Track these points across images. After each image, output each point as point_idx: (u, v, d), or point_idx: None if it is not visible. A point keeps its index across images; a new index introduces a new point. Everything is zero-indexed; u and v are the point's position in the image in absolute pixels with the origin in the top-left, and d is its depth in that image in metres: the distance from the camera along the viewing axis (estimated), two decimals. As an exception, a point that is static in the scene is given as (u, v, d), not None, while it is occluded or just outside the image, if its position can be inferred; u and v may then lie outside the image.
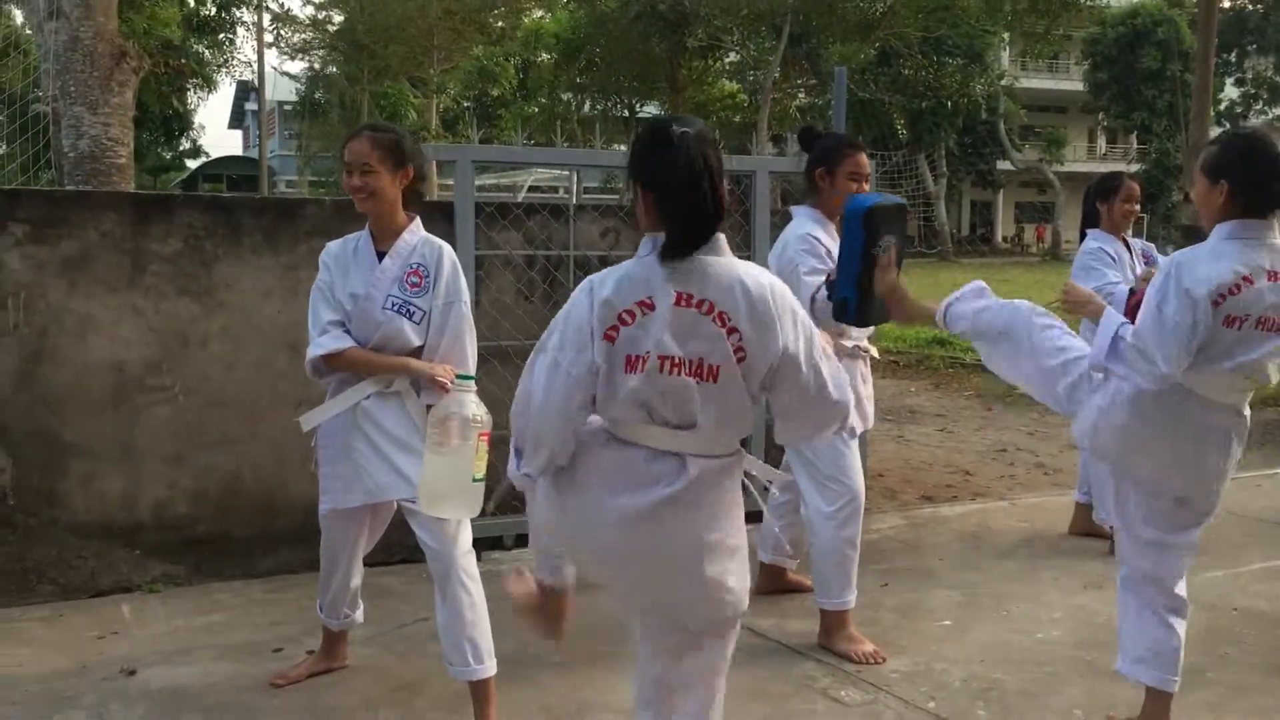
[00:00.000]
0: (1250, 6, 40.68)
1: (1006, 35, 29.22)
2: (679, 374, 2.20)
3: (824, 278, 3.96)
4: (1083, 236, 5.47)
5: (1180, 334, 2.88)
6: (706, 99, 20.40)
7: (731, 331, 2.21)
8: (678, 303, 2.20)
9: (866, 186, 4.20)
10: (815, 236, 4.07)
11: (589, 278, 2.28)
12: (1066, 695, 3.68)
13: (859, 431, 4.18)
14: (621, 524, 2.23)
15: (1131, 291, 4.99)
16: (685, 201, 2.19)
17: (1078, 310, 4.07)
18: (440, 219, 4.93)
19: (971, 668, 3.90)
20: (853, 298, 3.85)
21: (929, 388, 10.70)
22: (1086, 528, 5.53)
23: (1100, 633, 4.23)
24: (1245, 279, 2.95)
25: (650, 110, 25.76)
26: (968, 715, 3.53)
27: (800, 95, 19.00)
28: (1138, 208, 5.51)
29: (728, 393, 2.23)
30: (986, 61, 38.10)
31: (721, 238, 2.27)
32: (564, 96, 27.77)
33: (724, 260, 2.26)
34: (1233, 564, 5.09)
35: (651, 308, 2.21)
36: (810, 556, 4.22)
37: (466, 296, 3.38)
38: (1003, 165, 44.91)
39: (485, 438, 3.00)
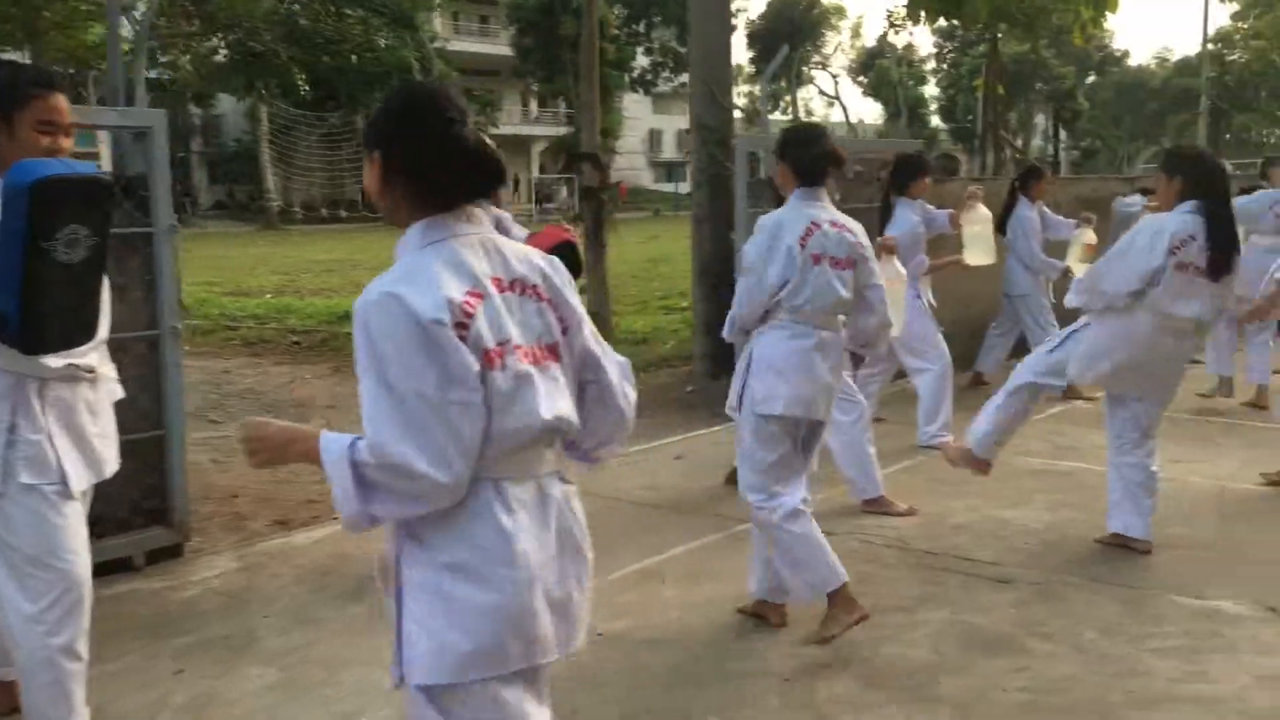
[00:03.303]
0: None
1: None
2: None
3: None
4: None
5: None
6: (77, 45, 17.47)
7: None
8: None
9: (67, 143, 2.93)
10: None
11: None
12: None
13: (79, 489, 2.94)
14: None
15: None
16: None
17: None
18: None
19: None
20: (13, 310, 2.60)
21: (327, 373, 9.60)
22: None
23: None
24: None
25: (7, 56, 21.81)
26: None
27: (199, 43, 16.81)
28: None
29: None
30: (416, 21, 37.53)
31: None
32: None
33: None
34: (603, 570, 4.51)
35: None
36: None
37: None
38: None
39: None
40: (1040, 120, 58.75)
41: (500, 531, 1.88)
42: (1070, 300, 4.77)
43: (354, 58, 13.59)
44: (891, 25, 18.02)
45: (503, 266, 1.96)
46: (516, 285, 1.96)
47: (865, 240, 3.93)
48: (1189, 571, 4.44)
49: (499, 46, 50.33)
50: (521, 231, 4.86)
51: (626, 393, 2.11)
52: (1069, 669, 3.58)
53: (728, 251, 7.76)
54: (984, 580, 4.38)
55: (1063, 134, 57.91)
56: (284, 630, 3.97)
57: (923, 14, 13.19)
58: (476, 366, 1.83)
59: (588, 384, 2.06)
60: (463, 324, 1.83)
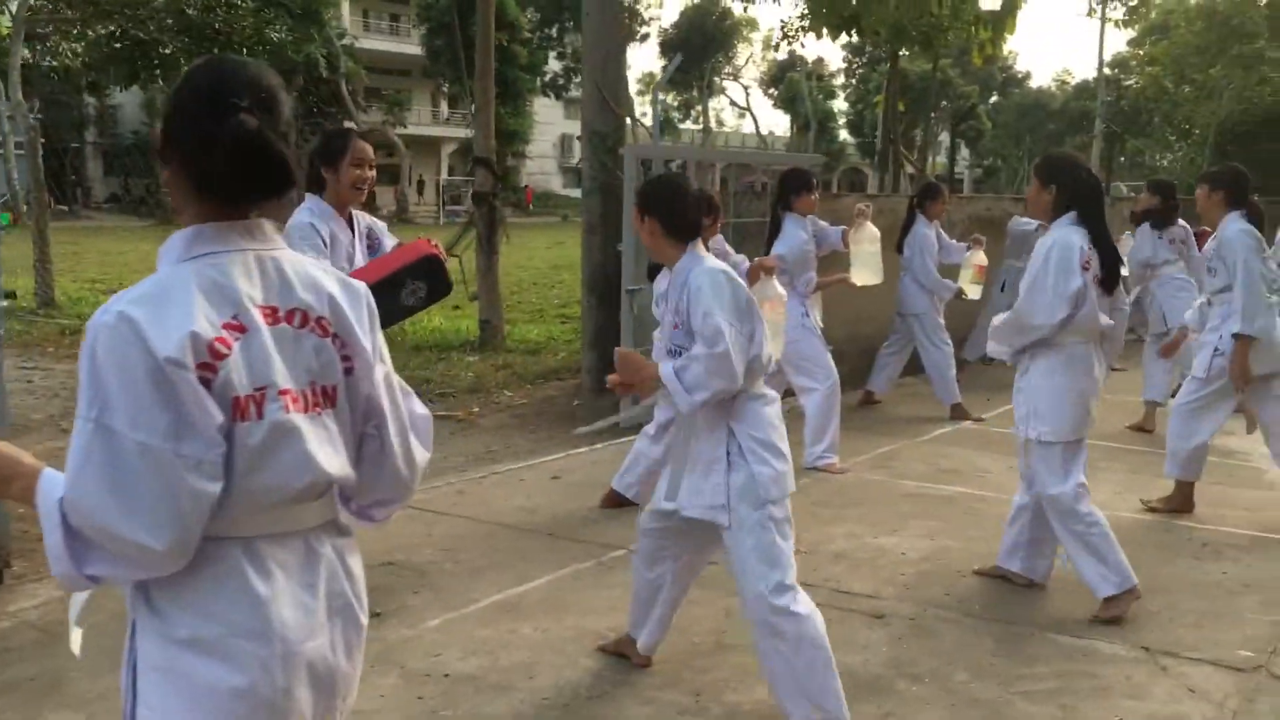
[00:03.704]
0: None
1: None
2: None
3: None
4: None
5: None
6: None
7: None
8: None
9: None
10: None
11: None
12: None
13: None
14: None
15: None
16: None
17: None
18: None
19: None
20: None
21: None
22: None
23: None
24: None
25: None
26: None
27: (85, 29, 15.91)
28: (372, 174, 4.41)
29: None
30: (322, 17, 36.82)
31: None
32: None
33: None
34: (461, 601, 4.25)
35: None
36: None
37: None
38: (349, 125, 44.21)
39: None
40: (946, 138, 59.92)
41: (252, 600, 1.61)
42: (991, 350, 4.54)
43: (244, 51, 13.01)
44: (785, 36, 17.99)
45: (280, 293, 1.66)
46: (295, 316, 1.66)
47: None
48: (1065, 606, 4.33)
49: (410, 46, 49.65)
50: (392, 240, 4.58)
51: (411, 455, 1.81)
52: (936, 715, 3.42)
53: (617, 262, 7.54)
54: (858, 615, 4.21)
55: (966, 152, 59.11)
56: (98, 671, 3.61)
57: (823, 28, 13.17)
58: (220, 418, 1.54)
59: (368, 437, 1.77)
60: (209, 365, 1.54)
